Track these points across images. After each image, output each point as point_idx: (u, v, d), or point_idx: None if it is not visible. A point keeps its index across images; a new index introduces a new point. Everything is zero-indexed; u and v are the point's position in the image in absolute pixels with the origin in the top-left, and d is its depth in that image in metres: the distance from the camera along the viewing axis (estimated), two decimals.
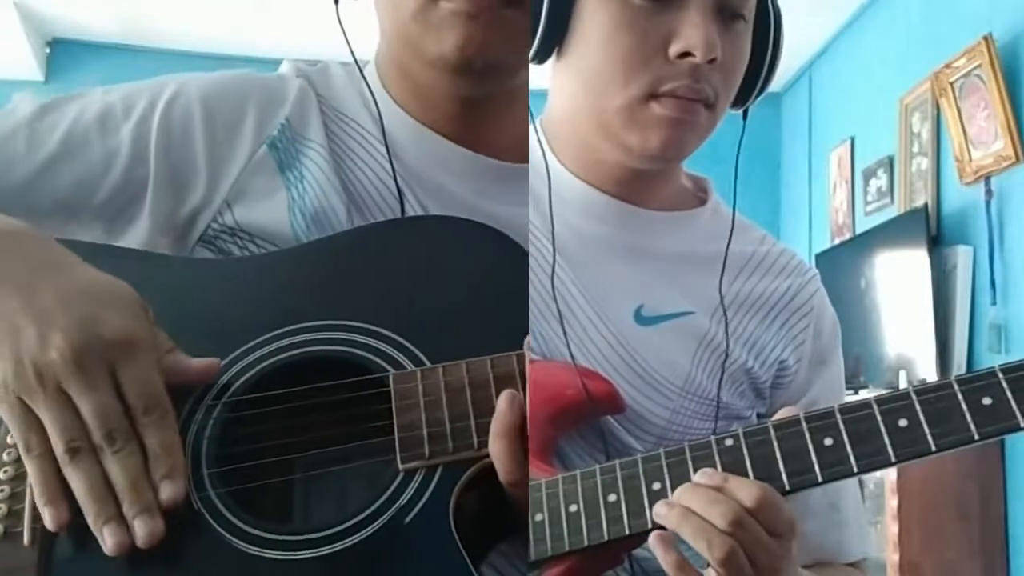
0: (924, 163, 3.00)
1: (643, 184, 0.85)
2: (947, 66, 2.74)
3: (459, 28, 0.72)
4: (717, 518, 0.63)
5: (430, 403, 0.66)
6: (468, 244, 0.74)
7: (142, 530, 0.59)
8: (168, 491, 0.60)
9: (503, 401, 0.64)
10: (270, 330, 0.69)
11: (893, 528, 2.43)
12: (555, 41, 0.79)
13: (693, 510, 0.64)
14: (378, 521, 0.63)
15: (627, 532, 0.68)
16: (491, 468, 0.64)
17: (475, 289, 0.72)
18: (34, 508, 0.62)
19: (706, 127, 0.79)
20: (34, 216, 0.72)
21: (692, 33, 0.74)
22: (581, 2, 0.77)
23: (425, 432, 0.65)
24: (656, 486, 0.68)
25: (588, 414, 0.78)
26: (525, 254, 0.73)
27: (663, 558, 0.65)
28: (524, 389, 0.65)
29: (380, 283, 0.72)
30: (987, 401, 0.65)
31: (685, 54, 0.75)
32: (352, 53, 0.83)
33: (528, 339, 0.66)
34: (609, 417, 0.79)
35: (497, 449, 0.63)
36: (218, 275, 0.74)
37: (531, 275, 0.79)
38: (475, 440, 0.65)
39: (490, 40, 0.72)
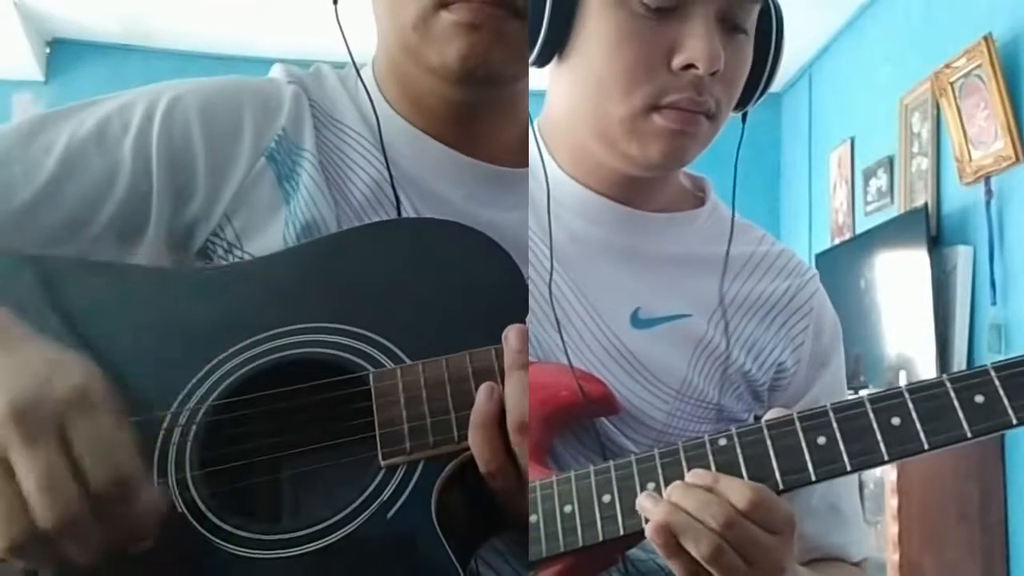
0: (924, 163, 3.00)
1: (641, 187, 0.84)
2: (947, 66, 2.74)
3: (462, 39, 0.71)
4: (709, 519, 0.64)
5: (410, 399, 0.66)
6: (449, 245, 0.74)
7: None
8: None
9: (482, 393, 0.64)
10: (252, 334, 0.69)
11: (893, 528, 2.43)
12: (557, 46, 0.78)
13: (685, 509, 0.64)
14: (360, 517, 0.63)
15: (622, 532, 0.68)
16: (473, 461, 0.64)
17: (456, 290, 0.72)
18: None
19: (707, 137, 0.79)
20: (41, 239, 0.72)
21: (696, 45, 0.74)
22: (585, 8, 0.77)
23: (405, 427, 0.66)
24: (651, 486, 0.68)
25: (583, 416, 0.78)
26: (506, 253, 0.73)
27: (652, 509, 0.66)
28: (503, 383, 0.65)
29: (362, 284, 0.72)
30: (980, 399, 0.65)
31: (689, 66, 0.74)
32: (350, 54, 0.83)
33: (510, 331, 0.66)
34: (605, 420, 0.79)
35: (476, 440, 0.64)
36: (200, 281, 0.74)
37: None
38: (455, 434, 0.65)
39: (492, 51, 0.72)
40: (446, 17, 0.71)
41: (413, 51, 0.75)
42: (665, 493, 0.66)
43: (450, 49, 0.72)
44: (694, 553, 0.64)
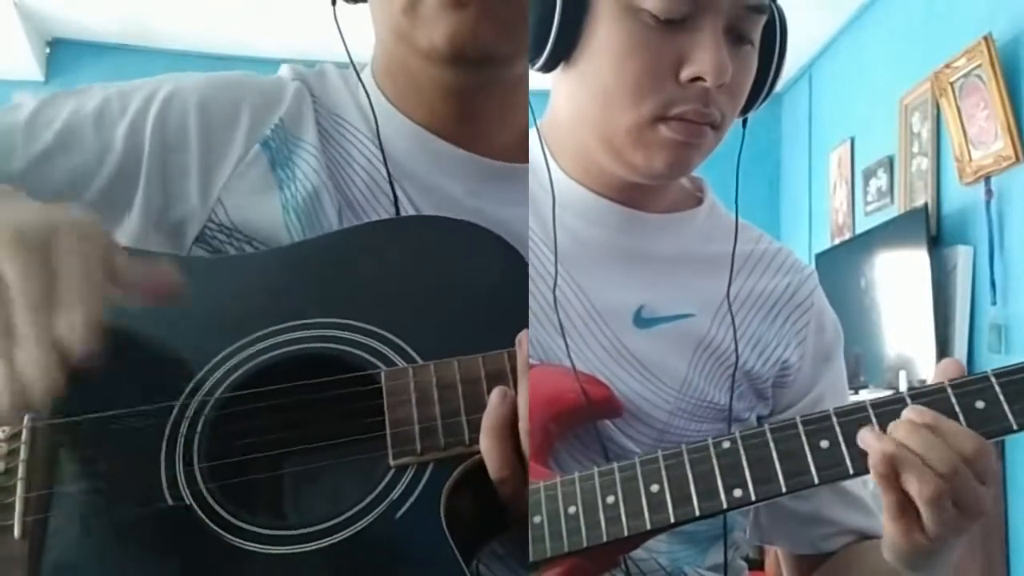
0: (924, 163, 3.01)
1: (644, 191, 0.85)
2: (947, 66, 2.75)
3: (448, 18, 0.72)
4: (936, 462, 0.64)
5: (422, 399, 0.66)
6: (459, 243, 0.74)
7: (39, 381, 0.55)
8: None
9: (495, 397, 0.64)
10: (262, 328, 0.69)
11: None
12: (565, 53, 0.78)
13: (910, 447, 0.65)
14: (368, 516, 0.63)
15: (625, 533, 0.68)
16: (483, 464, 0.64)
17: (466, 288, 0.72)
18: (24, 502, 0.62)
19: (711, 146, 0.80)
20: None
21: (705, 58, 0.74)
22: (594, 15, 0.77)
23: (417, 428, 0.66)
24: (654, 488, 0.68)
25: (586, 418, 0.78)
26: (515, 252, 0.73)
27: (877, 444, 0.65)
28: (516, 386, 0.65)
29: (372, 281, 0.72)
30: (980, 404, 0.65)
31: (697, 78, 0.75)
32: (348, 52, 0.84)
33: (522, 335, 0.66)
34: (607, 420, 0.79)
35: (487, 445, 0.63)
36: (210, 273, 0.74)
37: (531, 283, 0.79)
38: (466, 436, 0.65)
39: (481, 29, 0.72)
40: None
41: (405, 36, 0.76)
42: (889, 428, 0.66)
43: (438, 29, 0.72)
44: (914, 492, 0.64)
